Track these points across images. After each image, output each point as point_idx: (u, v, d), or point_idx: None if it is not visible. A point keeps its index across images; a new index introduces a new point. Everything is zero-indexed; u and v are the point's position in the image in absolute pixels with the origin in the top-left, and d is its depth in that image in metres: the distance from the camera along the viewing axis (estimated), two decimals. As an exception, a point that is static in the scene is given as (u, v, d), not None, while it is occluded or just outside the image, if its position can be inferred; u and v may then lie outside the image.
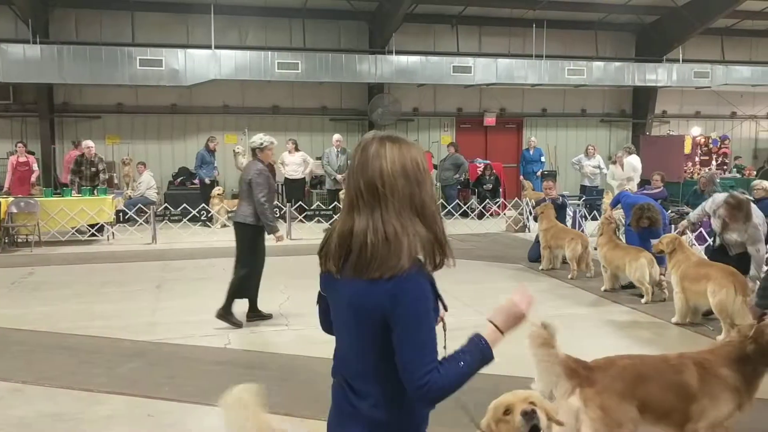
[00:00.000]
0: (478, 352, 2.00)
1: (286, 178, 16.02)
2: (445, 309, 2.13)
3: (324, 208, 14.68)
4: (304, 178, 16.24)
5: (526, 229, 14.10)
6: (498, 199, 17.05)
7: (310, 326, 6.78)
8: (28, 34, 15.96)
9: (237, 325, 6.80)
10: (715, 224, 7.41)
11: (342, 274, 2.04)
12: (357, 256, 1.98)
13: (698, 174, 17.16)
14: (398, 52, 17.93)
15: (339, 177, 14.66)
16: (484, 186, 17.44)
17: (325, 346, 4.96)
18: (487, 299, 8.14)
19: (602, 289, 8.60)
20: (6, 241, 12.19)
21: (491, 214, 16.38)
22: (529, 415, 2.42)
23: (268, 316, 7.14)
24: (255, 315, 7.08)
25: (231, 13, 17.26)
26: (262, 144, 7.05)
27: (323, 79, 17.49)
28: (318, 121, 19.12)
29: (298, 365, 5.70)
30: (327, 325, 2.30)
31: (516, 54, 19.36)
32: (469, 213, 16.33)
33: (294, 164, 15.79)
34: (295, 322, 7.02)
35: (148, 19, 17.50)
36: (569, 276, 9.41)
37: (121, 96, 17.81)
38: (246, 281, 6.91)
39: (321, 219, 14.55)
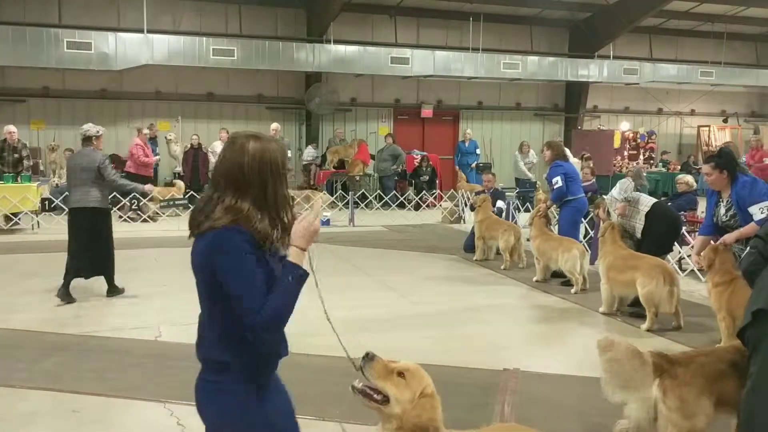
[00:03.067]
0: (288, 275, 2.33)
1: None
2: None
3: None
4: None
5: (462, 221, 14.29)
6: (434, 191, 17.21)
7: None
8: (-54, 12, 15.16)
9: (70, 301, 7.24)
10: (614, 211, 7.78)
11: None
12: (194, 216, 2.42)
13: (626, 168, 17.74)
14: (336, 42, 17.83)
15: None
16: (421, 177, 17.57)
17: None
18: (422, 290, 8.24)
19: (534, 279, 8.79)
20: None
21: (428, 206, 16.54)
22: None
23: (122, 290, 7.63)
24: (113, 291, 7.60)
25: (164, -4, 16.81)
26: (98, 132, 7.59)
27: (260, 67, 17.24)
28: (254, 110, 18.84)
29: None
30: None
31: (453, 47, 19.54)
32: (406, 204, 16.43)
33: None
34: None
35: (76, 1, 16.85)
36: (502, 267, 9.58)
37: (47, 79, 17.09)
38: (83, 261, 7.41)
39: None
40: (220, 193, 2.38)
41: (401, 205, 16.27)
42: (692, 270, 8.95)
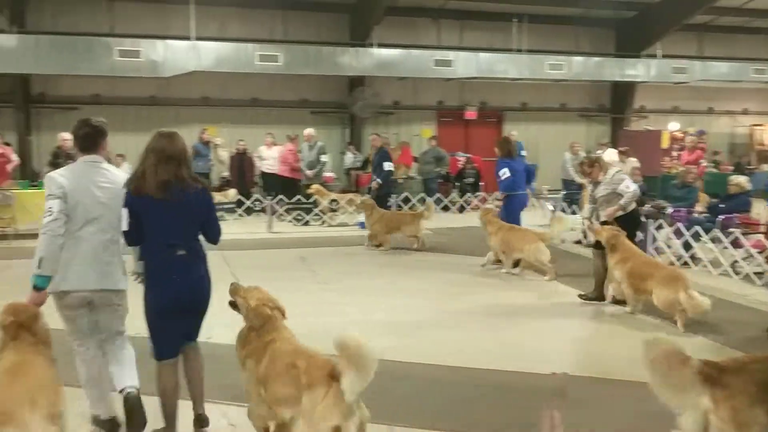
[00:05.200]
0: None
1: (263, 172, 15.96)
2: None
3: (305, 201, 14.36)
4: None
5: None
6: (479, 193, 17.11)
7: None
8: (5, 24, 15.71)
9: None
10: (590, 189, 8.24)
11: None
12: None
13: (679, 168, 17.29)
14: (379, 45, 17.90)
15: (309, 173, 14.38)
16: (465, 179, 17.48)
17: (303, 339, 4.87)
18: (463, 293, 8.20)
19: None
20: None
21: (472, 208, 16.44)
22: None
23: None
24: None
25: (211, 3, 17.10)
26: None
27: (304, 72, 17.42)
28: (298, 114, 19.02)
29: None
30: None
31: (497, 48, 19.42)
32: (450, 207, 16.37)
33: (272, 158, 15.71)
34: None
35: (126, 10, 17.32)
36: (546, 278, 8.99)
37: (98, 87, 17.57)
38: None
39: (302, 213, 14.33)
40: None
41: (445, 208, 16.21)
42: (746, 274, 8.72)
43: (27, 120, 17.06)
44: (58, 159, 13.23)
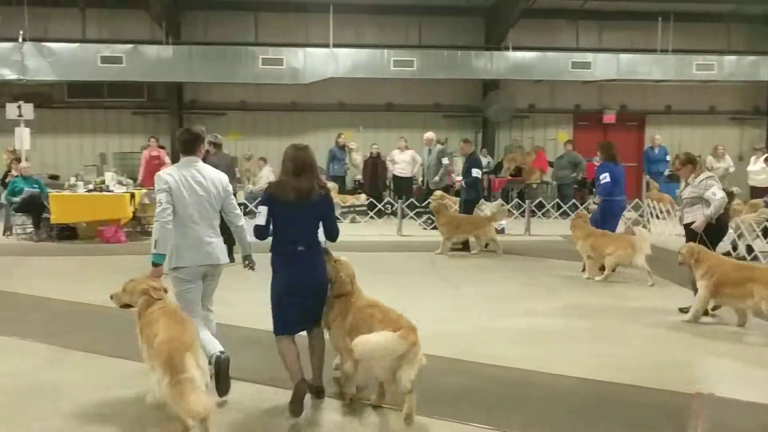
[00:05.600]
0: None
1: (395, 176, 16.20)
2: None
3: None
4: (413, 177, 16.36)
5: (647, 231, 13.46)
6: (616, 200, 16.37)
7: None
8: (162, 36, 17.02)
9: None
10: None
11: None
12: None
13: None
14: (515, 48, 17.63)
15: (435, 179, 14.34)
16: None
17: (427, 341, 4.90)
18: (595, 303, 7.89)
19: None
20: (138, 230, 13.06)
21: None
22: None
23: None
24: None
25: (348, 11, 17.60)
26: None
27: (438, 76, 17.51)
28: (431, 118, 19.14)
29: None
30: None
31: (639, 49, 18.55)
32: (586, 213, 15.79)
33: (404, 162, 15.94)
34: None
35: (270, 20, 18.20)
36: (649, 284, 8.75)
37: (244, 94, 18.62)
38: None
39: (432, 217, 14.31)
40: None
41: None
42: None
43: (180, 125, 18.36)
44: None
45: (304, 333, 4.87)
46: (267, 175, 16.34)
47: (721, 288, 6.82)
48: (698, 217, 7.46)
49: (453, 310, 7.50)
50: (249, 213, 14.63)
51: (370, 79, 17.64)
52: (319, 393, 4.81)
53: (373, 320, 4.44)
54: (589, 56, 17.79)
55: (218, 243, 5.09)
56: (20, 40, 15.80)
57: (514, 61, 17.58)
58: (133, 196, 12.67)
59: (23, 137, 14.46)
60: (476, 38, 18.78)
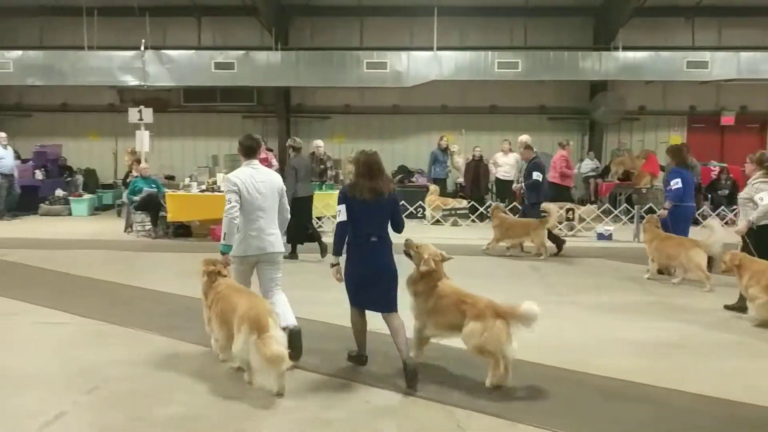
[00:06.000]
0: None
1: (497, 179, 15.97)
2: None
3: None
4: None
5: None
6: (735, 207, 15.47)
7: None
8: (272, 42, 17.60)
9: None
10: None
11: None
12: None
13: None
14: (625, 48, 17.01)
15: (515, 186, 13.84)
16: (719, 191, 15.97)
17: (537, 350, 4.82)
18: (716, 314, 7.48)
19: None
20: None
21: (726, 222, 14.93)
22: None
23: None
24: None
25: (453, 14, 17.55)
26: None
27: (544, 78, 17.17)
28: (535, 121, 18.79)
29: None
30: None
31: (761, 46, 17.44)
32: (701, 220, 15.02)
33: (507, 165, 15.67)
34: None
35: (375, 24, 18.43)
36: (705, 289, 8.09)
37: (348, 97, 18.96)
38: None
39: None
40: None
41: (695, 222, 14.89)
42: None
43: (287, 128, 18.94)
44: (311, 164, 14.45)
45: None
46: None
47: None
48: (742, 220, 7.53)
49: (563, 319, 7.29)
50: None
51: (473, 81, 17.51)
52: (406, 366, 5.14)
53: (465, 308, 5.20)
54: (706, 55, 16.90)
55: (277, 235, 5.91)
56: (142, 48, 16.78)
57: (624, 61, 16.95)
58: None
59: (143, 140, 15.33)
60: (584, 38, 18.28)
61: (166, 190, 13.83)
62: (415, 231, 13.85)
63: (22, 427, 4.44)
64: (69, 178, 18.20)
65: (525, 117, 18.75)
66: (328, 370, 5.59)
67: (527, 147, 12.30)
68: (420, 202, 15.40)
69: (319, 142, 14.78)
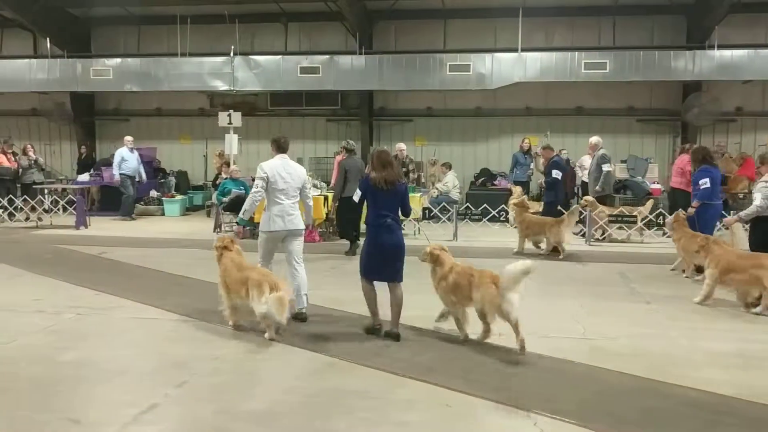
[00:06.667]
0: None
1: (583, 182, 15.54)
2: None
3: (626, 213, 13.52)
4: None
5: None
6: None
7: (605, 337, 6.55)
8: (356, 46, 17.84)
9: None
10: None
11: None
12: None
13: None
14: (720, 47, 16.26)
15: (596, 188, 13.34)
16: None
17: (619, 359, 4.72)
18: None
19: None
20: (331, 230, 13.77)
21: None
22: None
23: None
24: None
25: (538, 15, 17.27)
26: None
27: (632, 78, 16.61)
28: (624, 123, 18.25)
29: (594, 375, 5.52)
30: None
31: None
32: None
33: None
34: (591, 332, 6.79)
35: (458, 26, 18.37)
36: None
37: (431, 100, 18.98)
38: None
39: (624, 226, 13.54)
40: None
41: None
42: None
43: (370, 131, 19.14)
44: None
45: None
46: (452, 180, 16.47)
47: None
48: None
49: (649, 326, 7.07)
50: (433, 217, 14.85)
51: (558, 83, 17.18)
52: (396, 338, 6.42)
53: (472, 280, 6.22)
54: (813, 52, 15.95)
55: (297, 215, 7.19)
56: (231, 54, 17.36)
57: (720, 60, 16.21)
58: (326, 199, 13.39)
59: (232, 143, 15.86)
60: (676, 37, 17.60)
61: (254, 191, 14.22)
62: (497, 234, 13.76)
63: (118, 415, 4.68)
64: (162, 180, 19.07)
65: (613, 118, 18.24)
66: (395, 369, 5.62)
67: (546, 147, 12.96)
68: (503, 205, 15.19)
69: (402, 145, 14.90)
